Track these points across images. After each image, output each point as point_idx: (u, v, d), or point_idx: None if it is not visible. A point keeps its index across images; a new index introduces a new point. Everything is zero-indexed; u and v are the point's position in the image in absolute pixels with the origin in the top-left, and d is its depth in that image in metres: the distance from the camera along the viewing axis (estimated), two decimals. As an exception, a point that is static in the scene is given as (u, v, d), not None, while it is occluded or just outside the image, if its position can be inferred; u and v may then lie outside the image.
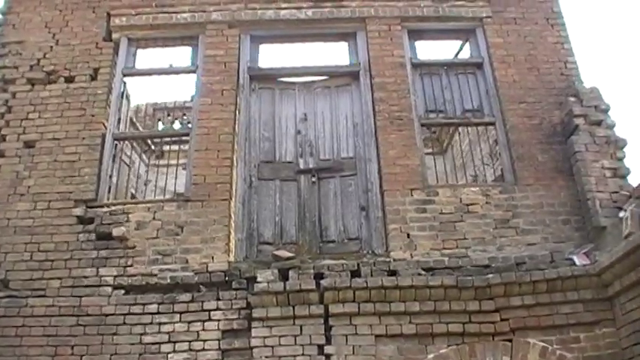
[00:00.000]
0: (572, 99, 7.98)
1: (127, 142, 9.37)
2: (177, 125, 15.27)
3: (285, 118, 8.51)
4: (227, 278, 7.08)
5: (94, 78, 8.37)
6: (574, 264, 6.95)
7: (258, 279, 6.96)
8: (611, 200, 7.29)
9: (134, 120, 12.96)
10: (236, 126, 8.15)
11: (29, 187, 7.70)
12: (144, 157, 13.39)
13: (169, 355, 6.72)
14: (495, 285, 6.81)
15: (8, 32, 8.70)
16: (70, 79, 8.35)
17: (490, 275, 6.86)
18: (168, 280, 7.08)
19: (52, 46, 8.57)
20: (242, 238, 7.64)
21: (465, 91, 8.60)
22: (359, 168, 8.11)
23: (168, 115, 15.69)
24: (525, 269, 6.96)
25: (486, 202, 7.60)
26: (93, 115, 8.10)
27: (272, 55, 8.80)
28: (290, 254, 7.25)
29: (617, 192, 7.34)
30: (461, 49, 9.33)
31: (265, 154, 8.30)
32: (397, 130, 8.03)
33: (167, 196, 9.00)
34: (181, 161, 9.20)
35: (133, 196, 9.39)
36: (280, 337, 6.74)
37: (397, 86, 8.31)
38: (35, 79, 8.35)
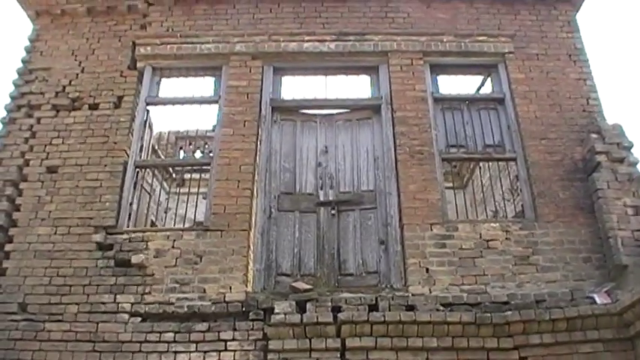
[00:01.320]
0: (594, 135, 7.93)
1: (148, 169, 9.42)
2: (198, 154, 15.41)
3: (306, 150, 8.54)
4: (244, 309, 7.05)
5: (117, 106, 8.44)
6: (595, 303, 6.84)
7: (276, 310, 6.92)
8: (632, 238, 7.20)
9: (156, 148, 13.07)
10: (257, 157, 8.19)
11: (50, 211, 7.74)
12: (165, 184, 13.51)
13: (184, 385, 6.66)
14: (514, 322, 6.72)
15: (35, 59, 8.82)
16: (94, 107, 8.43)
17: (509, 312, 6.78)
18: (185, 309, 7.06)
19: (77, 74, 8.67)
20: (260, 268, 7.62)
21: (487, 126, 8.58)
22: (379, 201, 8.09)
23: (190, 144, 15.84)
24: (545, 307, 6.87)
25: (506, 238, 7.53)
26: (115, 143, 8.16)
27: (294, 87, 8.88)
28: (308, 286, 7.20)
29: (639, 230, 7.25)
30: (483, 84, 9.33)
31: (285, 186, 8.31)
32: (418, 164, 8.03)
33: (187, 225, 8.99)
34: (202, 190, 9.25)
35: (152, 224, 9.43)
36: (296, 369, 6.67)
37: (418, 120, 8.31)
38: (60, 105, 8.44)
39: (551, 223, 7.65)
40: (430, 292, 7.21)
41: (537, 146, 8.16)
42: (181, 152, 16.12)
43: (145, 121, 8.69)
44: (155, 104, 8.84)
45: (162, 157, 13.81)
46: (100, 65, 8.74)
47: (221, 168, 8.01)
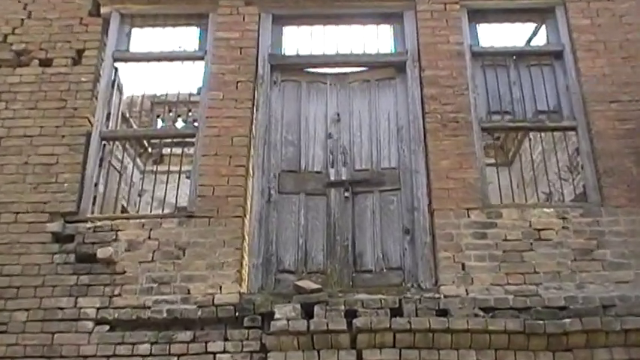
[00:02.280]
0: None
1: (117, 142, 9.51)
2: (180, 124, 15.41)
3: (314, 119, 8.55)
4: (237, 314, 7.05)
5: (77, 62, 8.41)
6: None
7: (276, 315, 6.93)
8: None
9: (127, 115, 13.09)
10: (253, 127, 8.21)
11: (-8, 195, 7.70)
12: (138, 161, 13.53)
13: (164, 408, 6.72)
14: (574, 332, 6.69)
15: (-34, 0, 8.71)
16: (46, 63, 8.38)
17: (567, 320, 6.74)
18: (165, 315, 7.07)
19: (23, 20, 8.61)
20: (257, 264, 7.63)
21: (539, 87, 8.54)
22: (403, 181, 8.11)
23: (170, 110, 15.87)
24: (614, 314, 6.80)
25: (563, 227, 7.48)
26: (75, 109, 8.14)
27: (299, 41, 8.75)
28: (316, 286, 7.21)
29: None
30: (535, 34, 9.31)
31: (288, 162, 8.33)
32: (452, 136, 8.02)
33: (166, 211, 9.01)
34: (185, 168, 9.24)
35: (123, 210, 9.48)
36: (301, 388, 6.71)
37: (453, 81, 8.29)
38: (1, 60, 8.38)
39: (622, 209, 7.57)
40: (467, 294, 7.18)
41: (605, 112, 8.09)
42: (159, 121, 16.14)
43: (113, 82, 8.67)
44: (125, 60, 8.85)
45: (135, 126, 13.82)
46: (53, 10, 8.68)
47: (209, 140, 8.02)
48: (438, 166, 7.90)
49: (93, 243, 7.45)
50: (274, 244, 7.88)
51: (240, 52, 8.49)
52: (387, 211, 8.06)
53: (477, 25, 8.83)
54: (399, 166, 8.24)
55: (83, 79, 8.28)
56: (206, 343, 6.93)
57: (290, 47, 8.85)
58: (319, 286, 7.23)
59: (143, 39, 9.10)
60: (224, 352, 6.88)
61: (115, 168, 9.13)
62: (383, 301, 7.04)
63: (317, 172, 8.31)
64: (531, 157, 11.14)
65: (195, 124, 8.86)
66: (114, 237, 7.48)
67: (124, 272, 7.31)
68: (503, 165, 12.88)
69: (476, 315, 6.93)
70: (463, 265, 7.34)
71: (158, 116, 16.25)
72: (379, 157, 8.36)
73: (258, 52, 8.54)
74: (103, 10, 8.76)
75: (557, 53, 8.66)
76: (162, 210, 8.47)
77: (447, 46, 8.48)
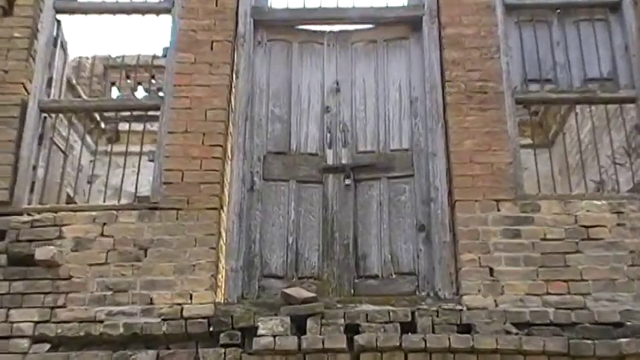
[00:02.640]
0: None
1: (62, 115, 9.48)
2: (141, 92, 15.33)
3: (307, 88, 8.56)
4: (212, 328, 7.06)
5: (7, 12, 8.39)
6: None
7: (260, 331, 6.96)
8: None
9: (74, 82, 13.06)
10: (232, 97, 8.21)
11: None
12: (89, 140, 13.46)
13: None
14: (632, 356, 6.72)
15: None
16: (-35, 12, 8.36)
17: (623, 340, 6.76)
18: (122, 330, 7.06)
19: None
20: (237, 267, 7.64)
21: (589, 48, 8.51)
22: (417, 166, 8.14)
23: (128, 77, 15.81)
24: (684, 333, 6.84)
25: (618, 224, 7.49)
26: (6, 72, 8.15)
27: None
28: (309, 294, 7.22)
29: None
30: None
31: (275, 142, 8.36)
32: (478, 110, 8.03)
33: (123, 201, 8.81)
34: (147, 149, 9.21)
35: (69, 200, 9.48)
36: (291, 421, 6.75)
37: (480, 41, 8.30)
38: None
39: (692, 201, 7.59)
40: (496, 305, 7.20)
41: (673, 79, 8.09)
42: (114, 89, 16.08)
43: (55, 39, 8.67)
44: (70, 12, 8.86)
45: (85, 96, 13.81)
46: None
47: (177, 114, 8.05)
48: (460, 148, 7.91)
49: (30, 241, 7.45)
50: (258, 242, 7.92)
51: (217, 4, 8.50)
52: (396, 203, 8.09)
53: (511, -30, 8.74)
54: (412, 147, 8.25)
55: (16, 34, 8.27)
56: (174, 365, 6.92)
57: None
58: (313, 295, 7.23)
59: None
60: (195, 376, 6.90)
61: (59, 147, 9.07)
62: (392, 313, 7.06)
63: (311, 155, 8.34)
64: (578, 136, 11.04)
65: (160, 93, 8.93)
66: (57, 233, 7.49)
67: (70, 277, 7.32)
68: (543, 146, 12.85)
69: (507, 332, 6.96)
70: (491, 270, 7.35)
71: (113, 84, 16.21)
72: (388, 137, 8.37)
73: (238, 4, 8.54)
74: (41, -54, 8.72)
75: (613, 5, 8.64)
76: (119, 200, 8.35)
77: (473, -2, 8.44)
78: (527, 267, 7.35)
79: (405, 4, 8.75)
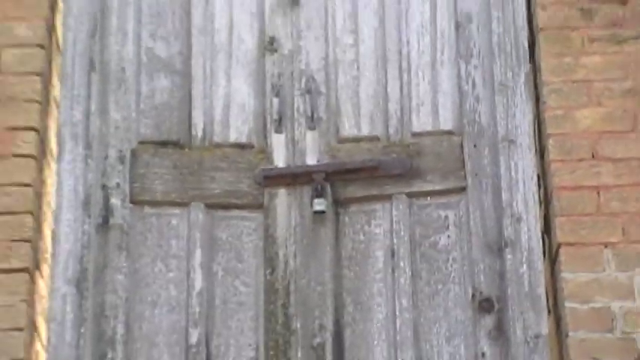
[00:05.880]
0: None
1: None
2: None
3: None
4: None
5: None
6: None
7: None
8: None
9: None
10: (58, 22, 5.48)
11: None
12: None
13: None
14: None
15: None
16: None
17: None
18: None
19: None
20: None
21: None
22: (474, 169, 5.19)
23: None
24: None
25: None
26: None
27: None
28: None
29: None
30: None
31: (159, 121, 5.24)
32: (609, 42, 5.24)
33: None
34: None
35: None
36: None
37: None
38: None
39: None
40: None
41: None
42: None
43: None
44: None
45: None
46: None
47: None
48: (566, 126, 5.00)
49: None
50: (121, 345, 5.06)
51: None
52: (427, 252, 5.07)
53: None
54: (460, 127, 5.09)
55: None
56: None
57: None
58: None
59: None
60: None
61: None
62: None
63: (237, 147, 5.09)
64: None
65: None
66: None
67: None
68: None
69: None
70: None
71: None
72: (405, 105, 5.15)
73: None
74: None
75: None
76: None
77: None
78: None
79: None
